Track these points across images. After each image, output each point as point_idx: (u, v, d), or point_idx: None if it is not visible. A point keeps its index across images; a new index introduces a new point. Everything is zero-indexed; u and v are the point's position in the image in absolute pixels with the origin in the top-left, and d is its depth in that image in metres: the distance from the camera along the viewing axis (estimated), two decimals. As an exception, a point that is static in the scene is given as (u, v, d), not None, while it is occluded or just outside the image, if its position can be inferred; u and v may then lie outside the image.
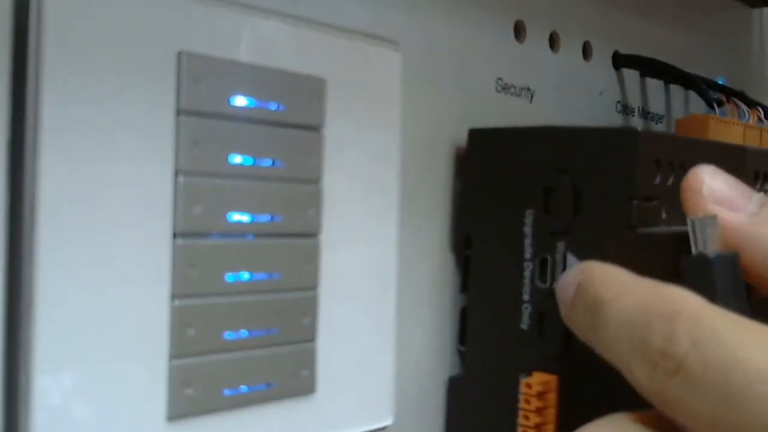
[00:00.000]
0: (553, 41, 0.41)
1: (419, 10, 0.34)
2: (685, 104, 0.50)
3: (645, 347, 0.23)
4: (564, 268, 0.31)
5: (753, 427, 0.20)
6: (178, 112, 0.25)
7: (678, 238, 0.29)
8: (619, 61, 0.45)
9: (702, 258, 0.25)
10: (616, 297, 0.24)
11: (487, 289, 0.34)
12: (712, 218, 0.25)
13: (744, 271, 0.25)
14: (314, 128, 0.29)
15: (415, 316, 0.34)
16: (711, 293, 0.24)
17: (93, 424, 0.24)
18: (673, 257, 0.26)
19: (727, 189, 0.26)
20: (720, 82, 0.49)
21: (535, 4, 0.39)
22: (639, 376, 0.23)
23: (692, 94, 0.47)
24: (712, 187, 0.26)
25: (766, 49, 0.60)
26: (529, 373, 0.32)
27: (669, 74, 0.47)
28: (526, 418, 0.31)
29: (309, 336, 0.29)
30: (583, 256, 0.31)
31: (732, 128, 0.44)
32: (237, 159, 0.27)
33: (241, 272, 0.27)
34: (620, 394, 0.29)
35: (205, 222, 0.26)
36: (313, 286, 0.29)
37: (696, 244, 0.25)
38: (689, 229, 0.25)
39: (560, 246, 0.31)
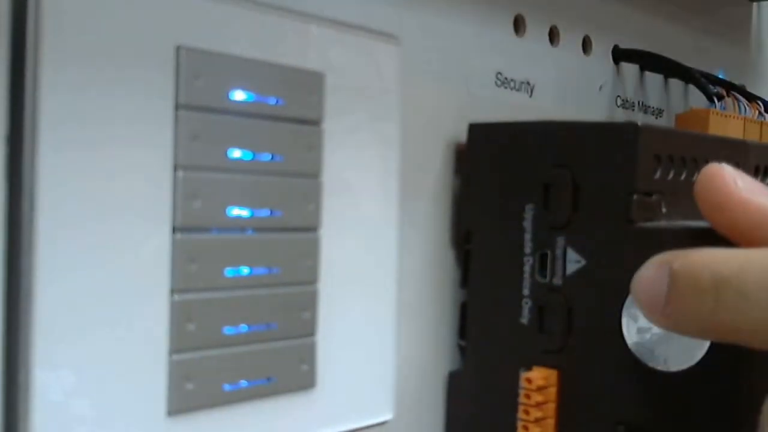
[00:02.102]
0: (553, 35, 0.40)
1: (419, 4, 0.34)
2: (685, 98, 0.50)
3: None
4: (564, 263, 0.31)
5: None
6: (177, 106, 0.25)
7: (678, 233, 0.29)
8: (619, 55, 0.45)
9: None
10: (743, 267, 0.22)
11: (487, 284, 0.34)
12: None
13: None
14: (313, 122, 0.29)
15: (415, 311, 0.34)
16: None
17: (93, 420, 0.24)
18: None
19: (753, 185, 0.25)
20: (720, 76, 0.49)
21: (535, -2, 0.39)
22: None
23: (692, 88, 0.47)
24: (738, 182, 0.25)
25: (765, 44, 0.60)
26: (529, 368, 0.32)
27: (669, 68, 0.47)
28: (526, 412, 0.31)
29: (309, 330, 0.29)
30: (582, 250, 0.31)
31: (732, 122, 0.44)
32: (236, 153, 0.27)
33: (240, 267, 0.27)
34: (620, 388, 0.29)
35: (204, 217, 0.26)
36: (312, 281, 0.29)
37: None
38: None
39: (560, 241, 0.31)
